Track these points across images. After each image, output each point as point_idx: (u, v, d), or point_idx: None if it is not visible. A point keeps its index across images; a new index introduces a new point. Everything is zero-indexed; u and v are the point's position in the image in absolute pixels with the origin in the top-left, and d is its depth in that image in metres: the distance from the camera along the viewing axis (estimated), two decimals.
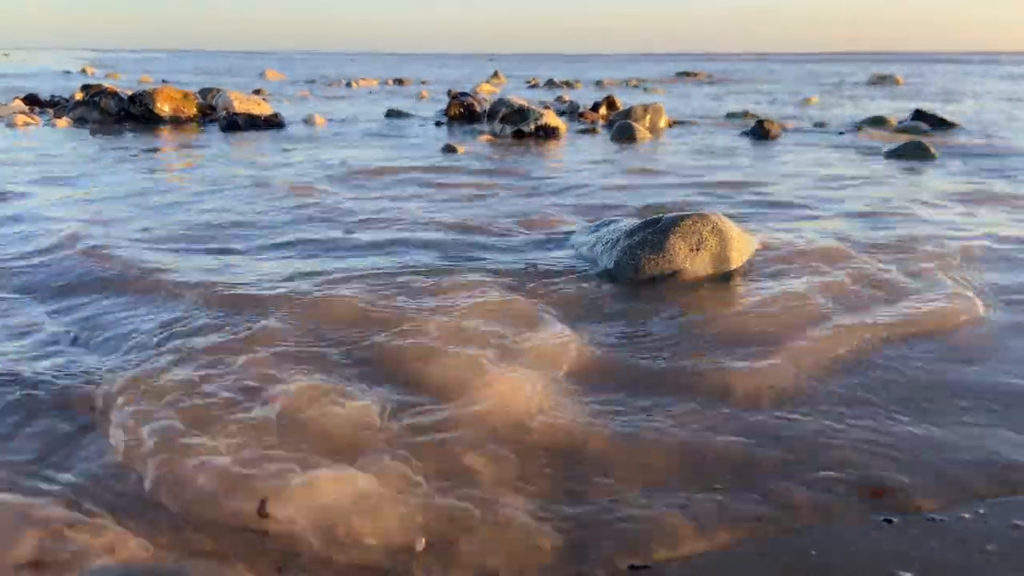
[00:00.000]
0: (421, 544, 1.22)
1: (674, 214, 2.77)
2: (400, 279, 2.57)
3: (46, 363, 1.89)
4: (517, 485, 1.39)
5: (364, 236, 3.26)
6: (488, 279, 2.59)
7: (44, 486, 1.37)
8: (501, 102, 7.83)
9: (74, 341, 2.06)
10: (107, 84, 9.82)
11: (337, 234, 3.29)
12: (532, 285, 2.54)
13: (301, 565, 1.19)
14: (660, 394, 1.76)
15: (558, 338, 2.07)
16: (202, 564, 1.18)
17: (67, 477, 1.41)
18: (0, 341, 2.05)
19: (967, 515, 1.29)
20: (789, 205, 4.03)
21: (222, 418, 1.59)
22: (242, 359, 1.87)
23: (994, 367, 1.91)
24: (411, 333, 2.06)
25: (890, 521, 1.28)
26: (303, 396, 1.69)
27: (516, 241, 3.20)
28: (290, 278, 2.57)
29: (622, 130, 7.48)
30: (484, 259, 2.88)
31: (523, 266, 2.77)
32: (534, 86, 20.25)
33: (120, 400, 1.67)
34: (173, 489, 1.36)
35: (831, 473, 1.42)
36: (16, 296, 2.43)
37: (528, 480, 1.41)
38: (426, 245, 3.10)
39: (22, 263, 2.78)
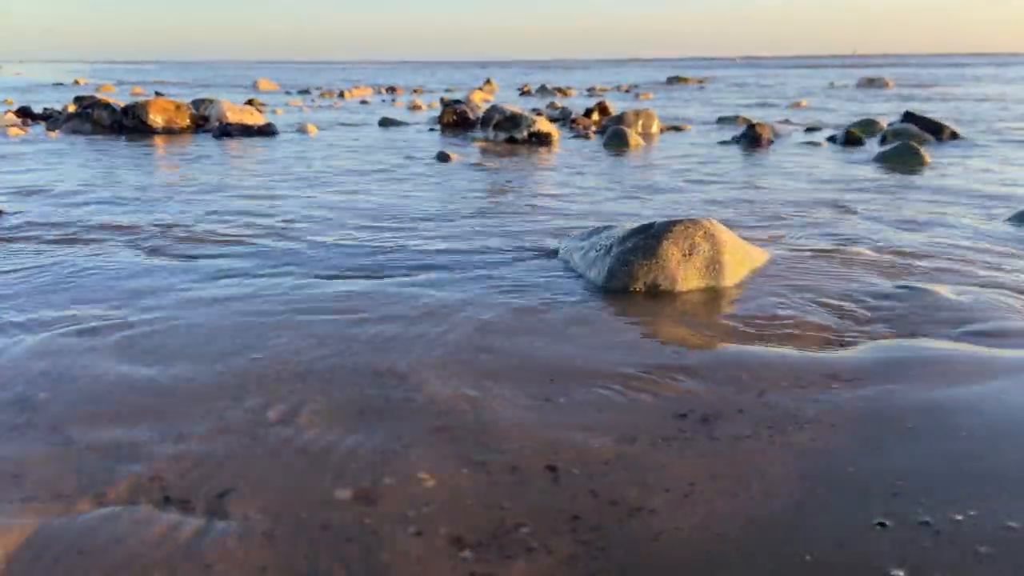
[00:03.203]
0: None
1: (666, 219, 2.78)
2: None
3: None
4: None
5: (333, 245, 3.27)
6: (481, 285, 2.60)
7: None
8: (494, 109, 7.86)
9: None
10: (100, 96, 9.82)
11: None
12: (523, 291, 2.55)
13: None
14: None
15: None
16: None
17: None
18: None
19: (959, 517, 1.30)
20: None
21: None
22: None
23: None
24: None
25: (884, 525, 1.28)
26: None
27: (507, 247, 3.21)
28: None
29: (614, 136, 7.50)
30: (477, 265, 2.89)
31: (513, 273, 2.78)
32: (526, 93, 20.32)
33: None
34: None
35: None
36: None
37: None
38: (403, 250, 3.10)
39: None
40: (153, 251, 3.15)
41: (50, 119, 9.35)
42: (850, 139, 7.48)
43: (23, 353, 2.00)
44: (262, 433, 1.57)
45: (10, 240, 3.34)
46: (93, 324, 2.22)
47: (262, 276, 2.76)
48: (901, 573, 1.16)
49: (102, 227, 3.62)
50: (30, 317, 2.29)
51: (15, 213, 3.93)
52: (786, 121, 9.71)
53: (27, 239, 3.36)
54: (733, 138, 7.81)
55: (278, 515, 1.29)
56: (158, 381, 1.82)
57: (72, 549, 1.20)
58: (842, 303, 2.43)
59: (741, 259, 2.76)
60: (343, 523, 1.27)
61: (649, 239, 2.70)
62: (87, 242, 3.31)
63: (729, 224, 3.31)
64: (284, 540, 1.22)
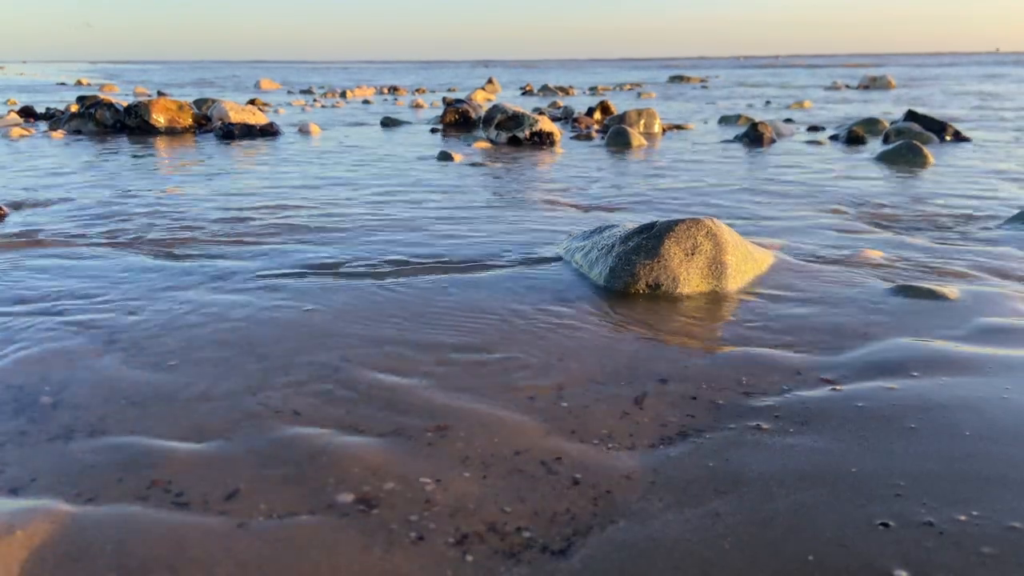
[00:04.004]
0: None
1: (669, 219, 2.77)
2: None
3: None
4: None
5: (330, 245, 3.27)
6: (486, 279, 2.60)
7: None
8: (496, 108, 7.85)
9: None
10: (103, 96, 9.84)
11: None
12: (523, 290, 2.55)
13: None
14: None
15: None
16: None
17: None
18: None
19: (963, 517, 1.29)
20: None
21: None
22: None
23: None
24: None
25: (887, 525, 1.28)
26: None
27: (507, 246, 3.21)
28: None
29: (617, 135, 7.50)
30: (477, 264, 2.89)
31: (513, 272, 2.78)
32: (528, 92, 20.32)
33: None
34: None
35: None
36: None
37: None
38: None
39: None
40: (164, 253, 3.16)
41: (53, 119, 9.36)
42: (853, 138, 7.46)
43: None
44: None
45: (12, 244, 3.35)
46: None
47: (260, 277, 2.76)
48: (904, 574, 1.15)
49: (107, 229, 3.63)
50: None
51: (18, 213, 3.93)
52: (789, 120, 9.69)
53: (30, 241, 3.37)
54: (735, 137, 7.80)
55: None
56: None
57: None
58: (845, 304, 2.42)
59: (744, 259, 2.75)
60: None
61: (651, 238, 2.69)
62: (91, 243, 3.32)
63: (732, 224, 3.31)
64: None
